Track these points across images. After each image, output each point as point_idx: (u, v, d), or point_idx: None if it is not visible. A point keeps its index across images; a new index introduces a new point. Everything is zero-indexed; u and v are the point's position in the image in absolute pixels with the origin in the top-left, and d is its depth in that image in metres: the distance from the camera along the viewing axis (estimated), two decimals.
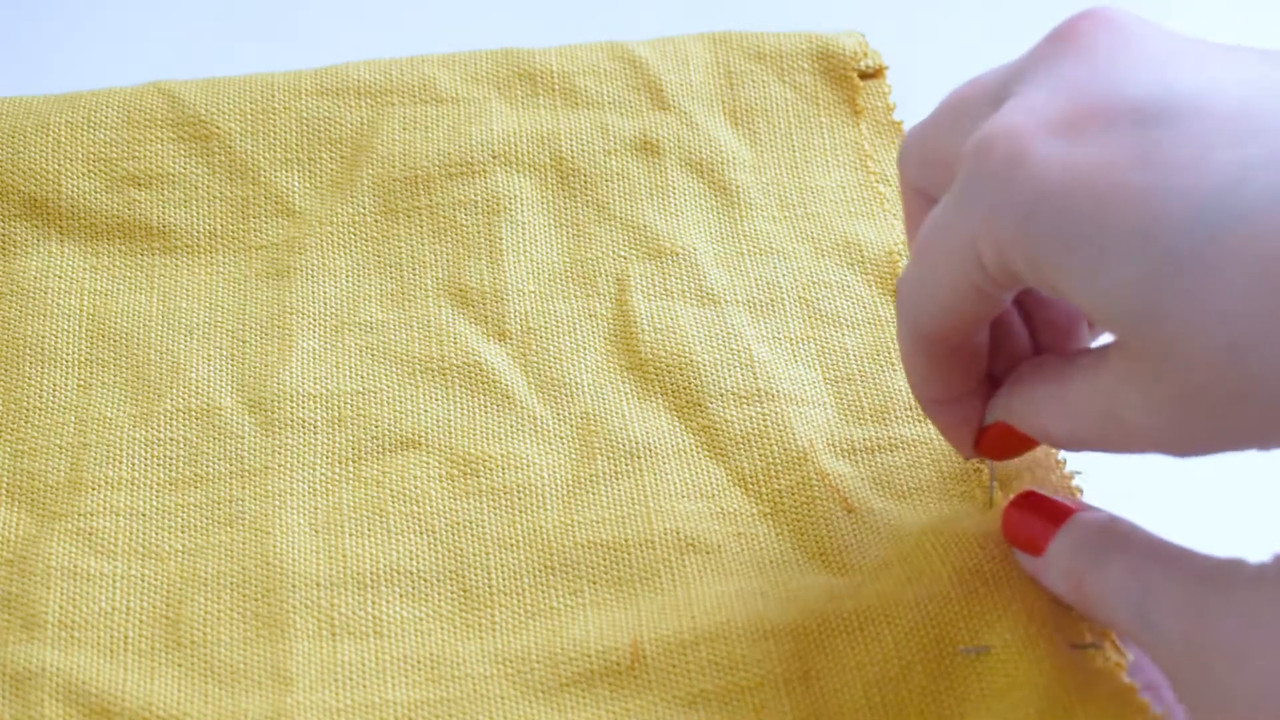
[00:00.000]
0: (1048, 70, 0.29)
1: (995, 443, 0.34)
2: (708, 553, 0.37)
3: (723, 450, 0.39)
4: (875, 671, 0.34)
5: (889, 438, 0.39)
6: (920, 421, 0.40)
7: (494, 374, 0.40)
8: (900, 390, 0.40)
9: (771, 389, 0.40)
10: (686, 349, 0.41)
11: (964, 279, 0.30)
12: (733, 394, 0.40)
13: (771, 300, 0.42)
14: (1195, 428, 0.27)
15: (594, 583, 0.37)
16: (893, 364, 0.41)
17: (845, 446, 0.39)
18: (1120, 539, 0.31)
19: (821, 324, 0.42)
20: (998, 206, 0.28)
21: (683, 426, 0.40)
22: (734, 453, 0.39)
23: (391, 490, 0.38)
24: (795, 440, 0.39)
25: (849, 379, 0.41)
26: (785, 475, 0.39)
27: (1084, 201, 0.26)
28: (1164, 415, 0.27)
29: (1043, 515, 0.33)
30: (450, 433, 0.39)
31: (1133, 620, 0.30)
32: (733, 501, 0.38)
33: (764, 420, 0.40)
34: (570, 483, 0.38)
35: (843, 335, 0.42)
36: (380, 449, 0.39)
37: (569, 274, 0.43)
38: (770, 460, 0.39)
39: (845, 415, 0.40)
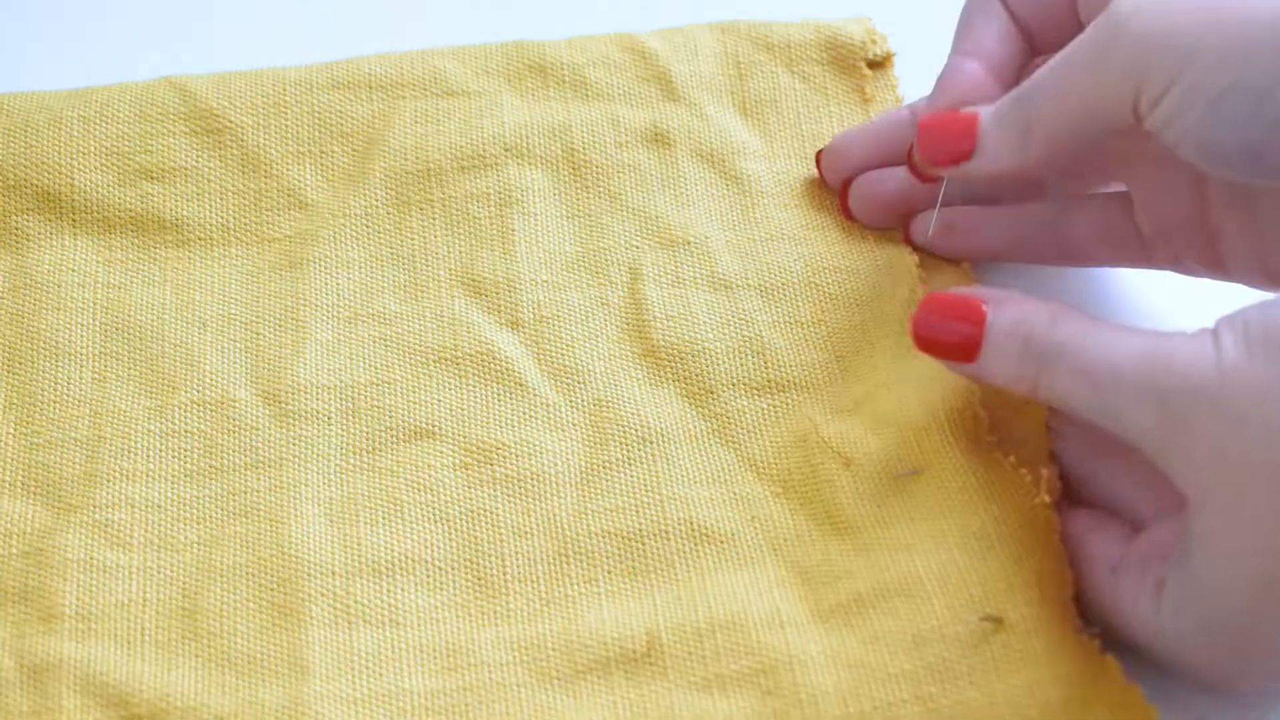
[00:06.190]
0: None
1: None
2: (722, 542, 0.37)
3: (734, 438, 0.39)
4: (891, 645, 0.34)
5: (882, 380, 0.40)
6: (912, 356, 0.39)
7: (507, 362, 0.40)
8: (890, 345, 0.40)
9: (782, 378, 0.40)
10: (699, 336, 0.41)
11: None
12: (744, 383, 0.40)
13: (783, 284, 0.43)
14: None
15: (609, 572, 0.37)
16: (900, 333, 0.41)
17: (847, 405, 0.40)
18: (1055, 346, 0.33)
19: (832, 306, 0.42)
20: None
21: (695, 413, 0.40)
22: (745, 440, 0.39)
23: (406, 480, 0.38)
24: (803, 423, 0.39)
25: (857, 351, 0.41)
26: (793, 453, 0.39)
27: None
28: None
29: (957, 323, 0.35)
30: (464, 422, 0.39)
31: (1099, 417, 0.33)
32: (744, 485, 0.38)
33: (775, 411, 0.40)
34: (583, 469, 0.39)
35: (851, 314, 0.42)
36: (395, 439, 0.39)
37: (581, 263, 0.43)
38: (780, 443, 0.39)
39: (850, 379, 0.40)
